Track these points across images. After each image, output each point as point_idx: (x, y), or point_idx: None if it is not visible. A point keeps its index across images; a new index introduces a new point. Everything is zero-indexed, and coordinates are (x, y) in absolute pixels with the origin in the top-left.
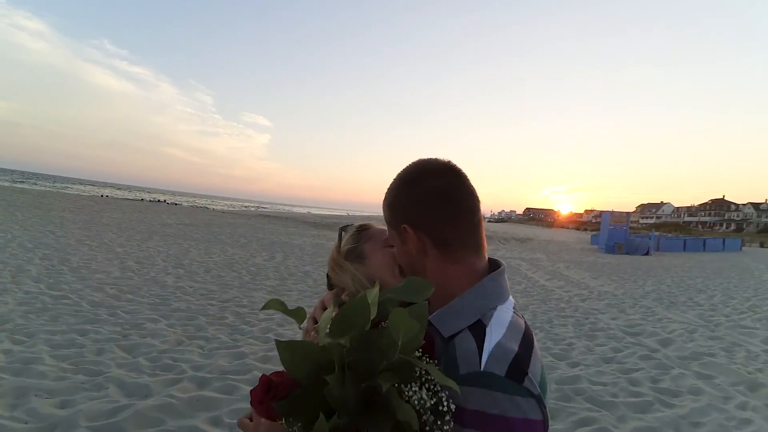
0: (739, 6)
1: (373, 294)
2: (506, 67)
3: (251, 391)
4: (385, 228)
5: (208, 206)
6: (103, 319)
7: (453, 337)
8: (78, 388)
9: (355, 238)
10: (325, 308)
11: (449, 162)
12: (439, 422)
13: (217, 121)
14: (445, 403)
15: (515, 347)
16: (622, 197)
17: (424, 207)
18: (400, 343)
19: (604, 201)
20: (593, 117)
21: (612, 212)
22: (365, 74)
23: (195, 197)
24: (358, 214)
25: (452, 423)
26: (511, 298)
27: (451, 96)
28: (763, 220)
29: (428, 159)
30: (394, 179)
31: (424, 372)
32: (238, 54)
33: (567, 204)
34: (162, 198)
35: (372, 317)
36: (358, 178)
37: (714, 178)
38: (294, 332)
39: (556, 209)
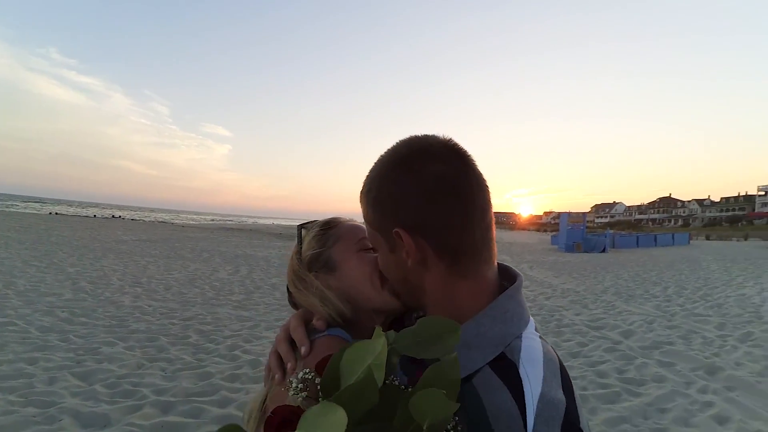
0: (684, 13)
1: (378, 352)
2: (469, 75)
3: (265, 428)
4: (357, 223)
5: (166, 220)
6: (54, 345)
7: (470, 377)
8: (28, 422)
9: (320, 241)
10: (291, 339)
11: (451, 140)
12: None
13: (174, 133)
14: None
15: (561, 396)
16: (578, 198)
17: (425, 203)
18: (425, 428)
19: (562, 203)
20: (550, 123)
21: (570, 213)
22: (327, 84)
23: (153, 212)
24: None
25: None
26: (531, 318)
27: (416, 103)
28: (707, 214)
29: (424, 136)
30: (379, 164)
31: None
32: (195, 63)
33: (528, 207)
34: (118, 214)
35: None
36: (325, 188)
37: (661, 177)
38: (263, 347)
39: (517, 212)
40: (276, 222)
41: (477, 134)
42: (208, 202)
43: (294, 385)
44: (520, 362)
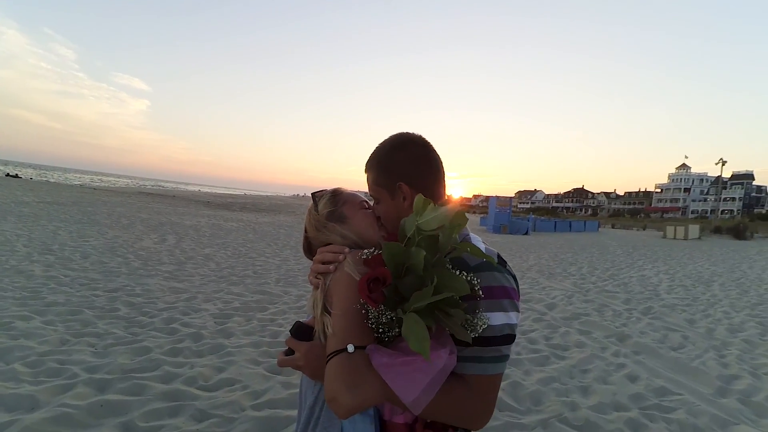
0: (603, 11)
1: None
2: (406, 62)
3: (359, 288)
4: (354, 192)
5: (72, 180)
6: None
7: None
8: None
9: (332, 202)
10: (324, 262)
11: (422, 136)
12: (475, 289)
13: (81, 81)
14: (475, 279)
15: (496, 251)
16: (504, 184)
17: (415, 168)
18: (455, 236)
19: (489, 187)
20: (478, 112)
21: (498, 197)
22: (259, 46)
23: (56, 171)
24: (257, 193)
25: (481, 292)
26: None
27: (355, 80)
28: (613, 206)
29: (407, 133)
30: (383, 147)
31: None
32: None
33: (458, 189)
34: (14, 171)
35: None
36: (256, 156)
37: (576, 170)
38: (203, 320)
39: (449, 194)
40: (202, 189)
41: (414, 119)
42: (123, 162)
43: (366, 253)
44: (471, 240)
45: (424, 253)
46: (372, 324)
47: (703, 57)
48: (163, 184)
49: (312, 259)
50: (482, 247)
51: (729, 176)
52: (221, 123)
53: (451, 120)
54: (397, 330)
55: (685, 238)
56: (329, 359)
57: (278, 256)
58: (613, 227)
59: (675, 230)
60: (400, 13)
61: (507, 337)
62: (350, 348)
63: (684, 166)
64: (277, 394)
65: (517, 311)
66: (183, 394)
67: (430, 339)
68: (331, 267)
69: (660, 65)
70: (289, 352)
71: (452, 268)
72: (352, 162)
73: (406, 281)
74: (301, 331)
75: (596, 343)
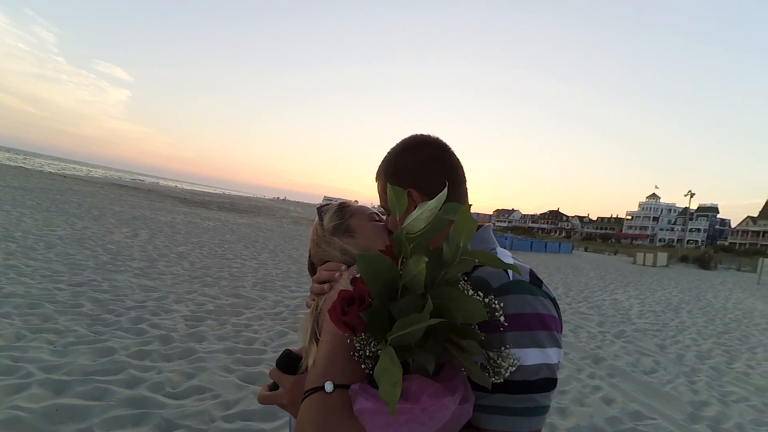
0: (581, 38)
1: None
2: (392, 70)
3: (330, 310)
4: (363, 205)
5: (43, 166)
6: None
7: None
8: None
9: (339, 215)
10: (321, 282)
11: (438, 137)
12: (495, 314)
13: (60, 66)
14: (496, 303)
15: (528, 267)
16: (483, 202)
17: (426, 173)
18: (461, 245)
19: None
20: (459, 124)
21: (478, 214)
22: (244, 43)
23: (26, 155)
24: (236, 193)
25: (503, 318)
26: (506, 250)
27: (342, 85)
28: (586, 230)
29: (421, 134)
30: (392, 151)
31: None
32: None
33: None
34: None
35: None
36: (238, 155)
37: (551, 193)
38: (173, 322)
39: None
40: (179, 185)
41: (401, 126)
42: (100, 153)
43: (357, 271)
44: (497, 253)
45: (425, 260)
46: (358, 357)
47: (679, 91)
48: (140, 177)
49: None
50: (510, 258)
51: (695, 208)
52: (204, 119)
53: (436, 131)
54: None
55: (654, 264)
56: (304, 398)
57: (256, 259)
58: (585, 250)
59: (644, 257)
60: (386, 22)
61: (545, 382)
62: (328, 386)
63: (654, 195)
64: (250, 405)
65: (559, 347)
66: (148, 401)
67: (435, 382)
68: (326, 286)
69: (636, 97)
70: (274, 386)
71: (469, 289)
72: (335, 167)
73: (403, 304)
74: (289, 362)
75: (572, 365)
